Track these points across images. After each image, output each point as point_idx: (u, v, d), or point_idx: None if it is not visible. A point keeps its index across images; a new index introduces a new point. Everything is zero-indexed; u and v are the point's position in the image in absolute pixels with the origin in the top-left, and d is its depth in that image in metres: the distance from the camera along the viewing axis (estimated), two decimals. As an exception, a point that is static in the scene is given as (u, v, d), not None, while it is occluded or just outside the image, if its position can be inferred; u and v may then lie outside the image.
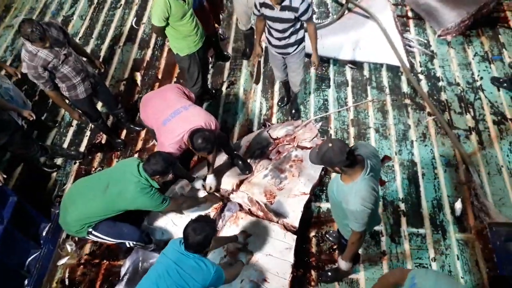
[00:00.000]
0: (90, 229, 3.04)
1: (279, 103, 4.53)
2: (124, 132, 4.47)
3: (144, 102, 3.48)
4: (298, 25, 3.49)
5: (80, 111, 3.85)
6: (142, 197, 2.89)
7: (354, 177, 2.29)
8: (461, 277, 3.34)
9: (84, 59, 3.75)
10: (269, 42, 3.69)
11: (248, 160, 3.89)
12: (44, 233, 3.65)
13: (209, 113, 3.33)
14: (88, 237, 3.11)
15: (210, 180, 3.63)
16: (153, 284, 2.49)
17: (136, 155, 4.25)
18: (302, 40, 3.63)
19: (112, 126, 4.45)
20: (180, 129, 3.13)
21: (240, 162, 3.79)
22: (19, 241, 3.43)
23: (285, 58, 3.78)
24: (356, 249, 2.62)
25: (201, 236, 2.46)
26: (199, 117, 3.20)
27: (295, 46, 3.62)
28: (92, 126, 4.39)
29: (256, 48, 3.85)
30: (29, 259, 3.52)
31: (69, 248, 3.67)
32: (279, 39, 3.55)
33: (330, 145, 2.20)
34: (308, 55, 3.86)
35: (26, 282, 3.42)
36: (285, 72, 4.04)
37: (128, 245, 3.26)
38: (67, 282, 3.52)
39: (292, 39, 3.55)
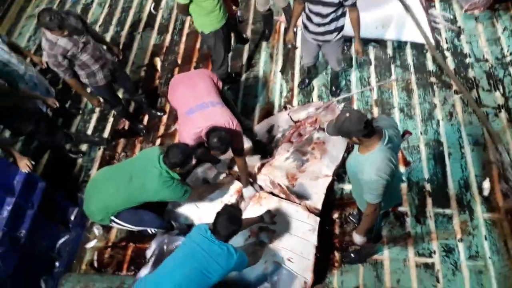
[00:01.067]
0: (113, 217, 3.10)
1: (300, 85, 4.47)
2: (146, 117, 4.51)
3: (174, 85, 3.41)
4: (340, 11, 3.32)
5: (99, 98, 3.90)
6: (165, 190, 2.92)
7: (371, 147, 2.26)
8: (489, 258, 3.27)
9: (104, 47, 3.77)
10: (306, 28, 3.53)
11: (269, 143, 3.87)
12: (72, 217, 3.76)
13: (233, 116, 3.24)
14: (110, 225, 3.18)
15: (249, 192, 3.56)
16: (178, 264, 2.57)
17: (158, 141, 4.30)
18: (342, 28, 3.49)
19: (133, 112, 4.49)
20: (201, 123, 3.09)
21: (261, 145, 3.77)
22: (49, 225, 3.55)
23: (321, 45, 3.68)
24: (371, 222, 2.57)
25: (230, 227, 2.58)
26: (222, 118, 3.13)
27: (335, 34, 3.49)
28: (114, 112, 4.44)
29: (289, 33, 3.69)
30: (59, 242, 3.64)
31: (96, 231, 3.77)
32: (319, 25, 3.40)
33: (348, 114, 2.19)
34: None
35: (57, 264, 3.55)
36: (315, 58, 3.96)
37: (150, 232, 3.33)
38: (95, 264, 3.63)
39: (333, 26, 3.40)
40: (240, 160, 3.40)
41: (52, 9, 3.23)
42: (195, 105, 3.15)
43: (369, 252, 3.32)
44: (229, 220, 2.59)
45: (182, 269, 2.54)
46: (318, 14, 3.34)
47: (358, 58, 4.14)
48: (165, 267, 2.62)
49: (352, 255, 3.34)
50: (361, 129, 2.17)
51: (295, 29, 3.77)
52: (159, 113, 4.47)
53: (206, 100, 3.17)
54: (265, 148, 3.78)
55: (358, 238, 2.72)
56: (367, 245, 2.88)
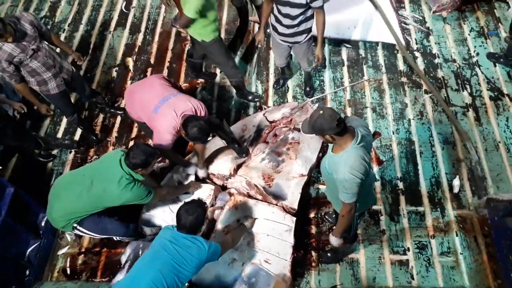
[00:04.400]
0: (75, 224, 3.04)
1: (275, 86, 4.48)
2: (118, 119, 4.41)
3: (129, 95, 3.42)
4: (308, 13, 3.37)
5: (47, 105, 3.76)
6: (127, 193, 2.86)
7: (345, 146, 2.31)
8: (460, 253, 3.37)
9: (68, 54, 3.67)
10: (275, 30, 3.56)
11: (245, 144, 3.86)
12: (43, 223, 3.63)
13: (197, 100, 3.29)
14: (74, 232, 3.12)
15: (202, 173, 3.63)
16: (150, 262, 2.55)
17: (131, 143, 4.21)
18: (310, 29, 3.54)
19: (87, 121, 4.38)
20: (172, 113, 3.10)
21: (236, 146, 3.76)
22: (18, 232, 3.42)
23: (291, 47, 3.71)
24: (347, 223, 2.60)
25: (193, 217, 2.59)
26: (188, 102, 3.17)
27: (304, 35, 3.54)
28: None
29: (260, 33, 3.70)
30: (29, 249, 3.51)
31: (68, 237, 3.66)
32: (288, 26, 3.44)
33: (321, 112, 2.23)
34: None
35: (27, 272, 3.42)
36: (287, 59, 3.98)
37: (116, 239, 3.28)
38: (68, 271, 3.52)
39: (302, 27, 3.45)
40: (200, 145, 3.43)
41: None
42: (158, 101, 3.16)
43: (345, 252, 3.36)
44: (187, 211, 2.59)
45: (155, 265, 2.51)
46: (287, 16, 3.37)
47: (317, 63, 4.04)
48: (137, 268, 2.59)
49: (329, 254, 3.38)
50: (333, 127, 2.20)
51: (268, 30, 3.78)
52: (118, 112, 4.40)
53: (166, 94, 3.21)
54: (240, 147, 3.77)
55: (334, 240, 2.74)
56: (344, 245, 2.91)
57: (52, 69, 3.47)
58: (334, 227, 2.75)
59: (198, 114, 3.19)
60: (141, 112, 3.31)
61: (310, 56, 3.89)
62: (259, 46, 3.76)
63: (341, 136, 2.27)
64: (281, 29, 3.50)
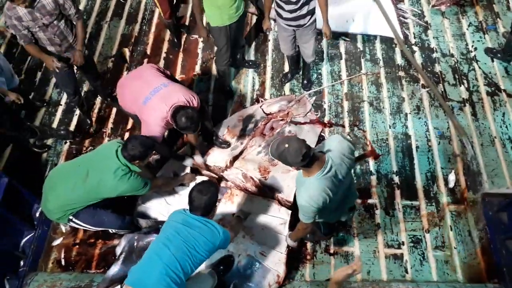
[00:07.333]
0: (71, 217, 3.01)
1: (283, 80, 4.43)
2: (114, 110, 4.38)
3: (120, 88, 3.36)
4: None
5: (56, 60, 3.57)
6: (123, 184, 2.83)
7: (311, 173, 2.28)
8: (454, 247, 3.39)
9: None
10: (279, 16, 3.56)
11: (241, 134, 3.85)
12: (37, 214, 3.62)
13: (189, 90, 3.23)
14: (69, 224, 3.09)
15: (199, 160, 3.62)
16: (164, 245, 2.49)
17: (127, 134, 4.19)
18: (313, 10, 3.54)
19: (87, 105, 4.37)
20: (163, 106, 3.03)
21: (216, 141, 3.78)
22: (12, 222, 3.41)
23: (296, 30, 3.69)
24: (302, 235, 2.75)
25: (207, 197, 2.53)
26: (180, 93, 3.10)
27: (308, 17, 3.52)
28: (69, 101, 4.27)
29: (266, 21, 3.75)
30: (24, 240, 3.50)
31: (63, 228, 3.64)
32: (291, 11, 3.44)
33: (287, 145, 2.18)
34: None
35: (22, 263, 3.41)
36: (293, 46, 3.93)
37: (111, 232, 3.27)
38: (63, 262, 3.51)
39: (304, 10, 3.44)
40: (192, 136, 3.40)
41: None
42: (149, 92, 3.08)
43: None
44: (200, 192, 2.53)
45: (168, 249, 2.46)
46: (288, 2, 3.37)
47: (328, 42, 4.01)
48: (150, 252, 2.54)
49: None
50: (298, 162, 2.18)
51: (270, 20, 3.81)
52: (115, 102, 4.33)
53: (157, 84, 3.13)
54: (220, 141, 3.80)
55: (289, 241, 2.93)
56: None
57: (57, 47, 3.44)
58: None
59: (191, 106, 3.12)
60: (132, 104, 3.23)
61: (314, 44, 3.84)
62: (267, 32, 3.98)
63: (307, 167, 2.25)
64: (284, 14, 3.50)
